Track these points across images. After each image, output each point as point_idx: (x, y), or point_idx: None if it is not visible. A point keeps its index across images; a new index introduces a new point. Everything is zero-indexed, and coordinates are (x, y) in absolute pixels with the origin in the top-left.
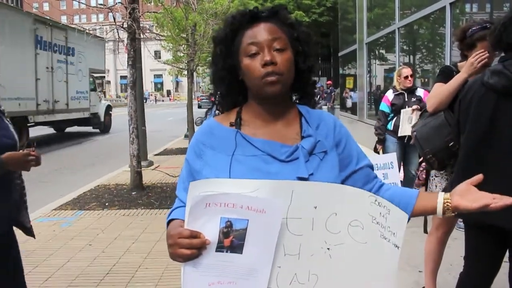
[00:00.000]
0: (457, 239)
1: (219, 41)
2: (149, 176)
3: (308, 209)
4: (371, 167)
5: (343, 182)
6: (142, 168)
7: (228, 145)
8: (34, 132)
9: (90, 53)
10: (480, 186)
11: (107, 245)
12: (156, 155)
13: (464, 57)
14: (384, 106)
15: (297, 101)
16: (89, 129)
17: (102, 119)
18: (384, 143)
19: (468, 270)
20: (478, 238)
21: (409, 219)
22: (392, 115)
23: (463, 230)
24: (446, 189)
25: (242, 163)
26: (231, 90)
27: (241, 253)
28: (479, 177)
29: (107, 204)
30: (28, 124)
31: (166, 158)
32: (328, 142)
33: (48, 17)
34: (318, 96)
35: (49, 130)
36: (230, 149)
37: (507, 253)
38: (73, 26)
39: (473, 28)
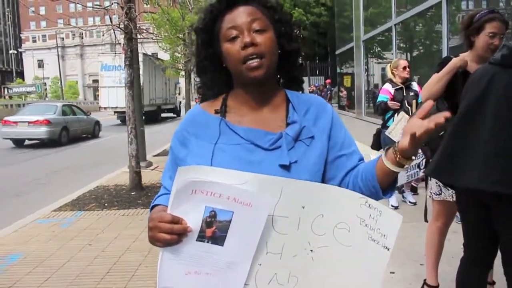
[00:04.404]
0: (457, 233)
1: (200, 30)
2: (148, 177)
3: (295, 208)
4: (359, 155)
5: (325, 167)
6: (141, 169)
7: (212, 133)
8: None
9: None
10: (473, 144)
11: (107, 245)
12: (155, 156)
13: (469, 45)
14: (385, 98)
15: (285, 86)
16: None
17: (178, 109)
18: (382, 135)
19: (467, 254)
20: (466, 214)
21: (383, 189)
22: (391, 111)
23: None
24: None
25: (225, 151)
26: (215, 79)
27: (222, 245)
28: (428, 104)
29: (106, 204)
30: (162, 108)
31: (165, 159)
32: (316, 127)
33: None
34: (317, 94)
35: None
36: (214, 137)
37: None
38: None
39: (482, 12)
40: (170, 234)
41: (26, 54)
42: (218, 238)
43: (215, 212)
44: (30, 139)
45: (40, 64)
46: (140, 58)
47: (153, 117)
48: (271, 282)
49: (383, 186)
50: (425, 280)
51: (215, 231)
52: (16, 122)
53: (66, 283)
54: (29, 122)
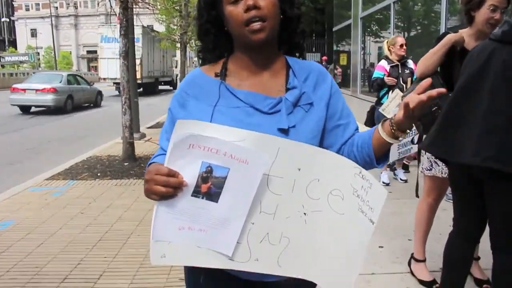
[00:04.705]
0: (447, 210)
1: None
2: (141, 148)
3: (291, 169)
4: (355, 125)
5: (323, 135)
6: (134, 140)
7: (211, 96)
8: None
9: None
10: (468, 119)
11: (99, 214)
12: (148, 128)
13: (469, 21)
14: (380, 74)
15: (286, 53)
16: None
17: (175, 81)
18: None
19: (456, 229)
20: (458, 191)
21: (378, 158)
22: (386, 89)
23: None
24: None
25: (224, 114)
26: (216, 43)
27: (217, 202)
28: (426, 82)
29: (99, 174)
30: (159, 80)
31: (158, 131)
32: (315, 94)
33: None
34: None
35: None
36: (213, 100)
37: None
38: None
39: None
40: (165, 187)
41: (19, 22)
42: (213, 195)
43: (211, 168)
44: (37, 106)
45: (33, 33)
46: (140, 30)
47: (151, 88)
48: (263, 241)
49: (377, 156)
50: (412, 254)
51: (210, 187)
52: (24, 90)
53: (58, 249)
54: (36, 90)
